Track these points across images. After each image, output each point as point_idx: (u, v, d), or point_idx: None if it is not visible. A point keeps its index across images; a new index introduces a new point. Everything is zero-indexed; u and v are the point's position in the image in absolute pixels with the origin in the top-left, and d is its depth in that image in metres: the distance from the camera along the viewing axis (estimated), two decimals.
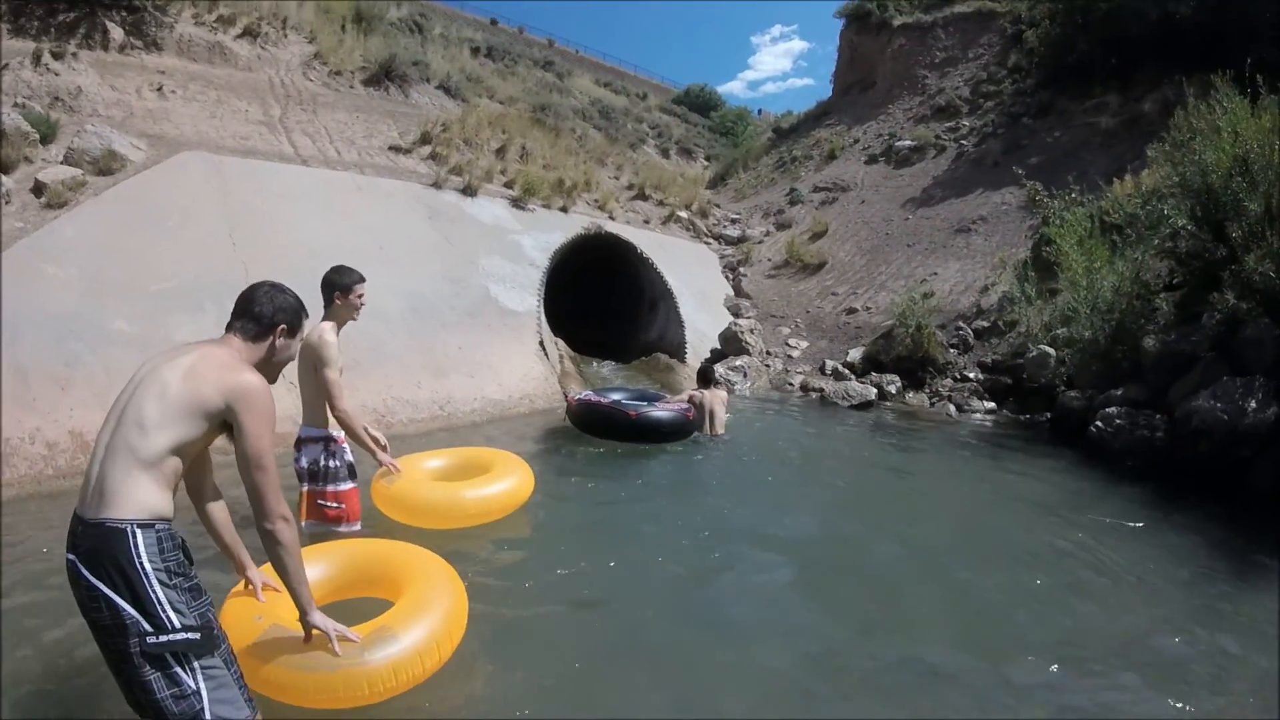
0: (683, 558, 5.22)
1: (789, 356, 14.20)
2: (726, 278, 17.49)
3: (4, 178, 7.89)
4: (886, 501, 7.19)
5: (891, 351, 12.62)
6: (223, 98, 12.04)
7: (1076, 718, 3.50)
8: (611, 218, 15.86)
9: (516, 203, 13.83)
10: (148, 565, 2.34)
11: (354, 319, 4.63)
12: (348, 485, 4.63)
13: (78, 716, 3.14)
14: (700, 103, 45.52)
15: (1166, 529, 6.12)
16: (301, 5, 16.93)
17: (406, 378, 8.87)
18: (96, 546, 2.34)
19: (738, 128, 38.66)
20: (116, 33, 11.87)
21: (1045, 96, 18.60)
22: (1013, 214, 15.58)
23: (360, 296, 4.57)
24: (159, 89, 11.24)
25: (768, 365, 13.79)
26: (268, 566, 2.97)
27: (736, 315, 15.37)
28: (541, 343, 11.04)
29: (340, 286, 4.50)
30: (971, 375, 11.96)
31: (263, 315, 2.80)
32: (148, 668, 2.31)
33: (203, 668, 2.40)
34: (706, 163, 31.15)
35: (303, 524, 4.55)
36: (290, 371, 3.50)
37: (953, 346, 12.65)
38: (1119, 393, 8.76)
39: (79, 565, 2.35)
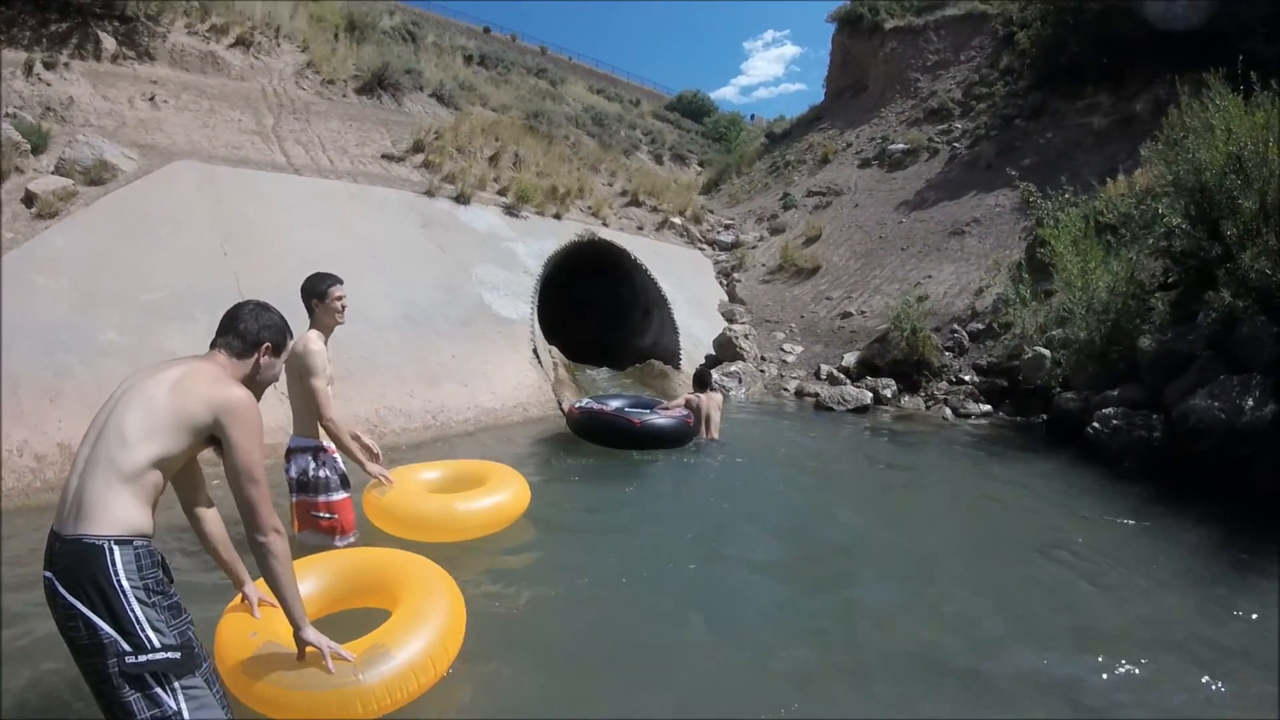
0: (683, 565, 5.19)
1: (784, 362, 14.19)
2: (721, 283, 17.49)
3: None
4: (885, 505, 7.16)
5: (886, 355, 12.61)
6: (215, 107, 12.00)
7: (1088, 718, 3.48)
8: (605, 224, 15.87)
9: (510, 210, 13.81)
10: (125, 583, 2.30)
11: (339, 322, 4.59)
12: (340, 495, 4.59)
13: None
14: (693, 109, 45.66)
15: (1166, 529, 6.11)
16: (294, 14, 16.87)
17: (400, 387, 8.83)
18: (73, 564, 2.30)
19: (730, 133, 38.75)
20: (109, 43, 11.82)
21: (1037, 98, 18.59)
22: (1006, 216, 15.57)
23: (340, 299, 4.53)
24: (151, 99, 11.20)
25: (763, 371, 13.78)
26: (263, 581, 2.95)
27: (731, 321, 15.35)
28: (535, 351, 11.00)
29: (316, 293, 4.48)
30: (967, 378, 11.95)
31: (248, 333, 2.80)
32: (127, 688, 2.28)
33: (184, 688, 2.36)
34: (700, 169, 31.23)
35: (296, 535, 4.51)
36: (282, 381, 3.47)
37: (948, 349, 12.64)
38: (1115, 393, 8.74)
39: (56, 583, 2.32)
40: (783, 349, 14.54)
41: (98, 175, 8.73)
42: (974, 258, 14.86)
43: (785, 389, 13.03)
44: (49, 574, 2.34)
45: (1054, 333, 10.43)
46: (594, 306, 15.65)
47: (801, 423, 10.93)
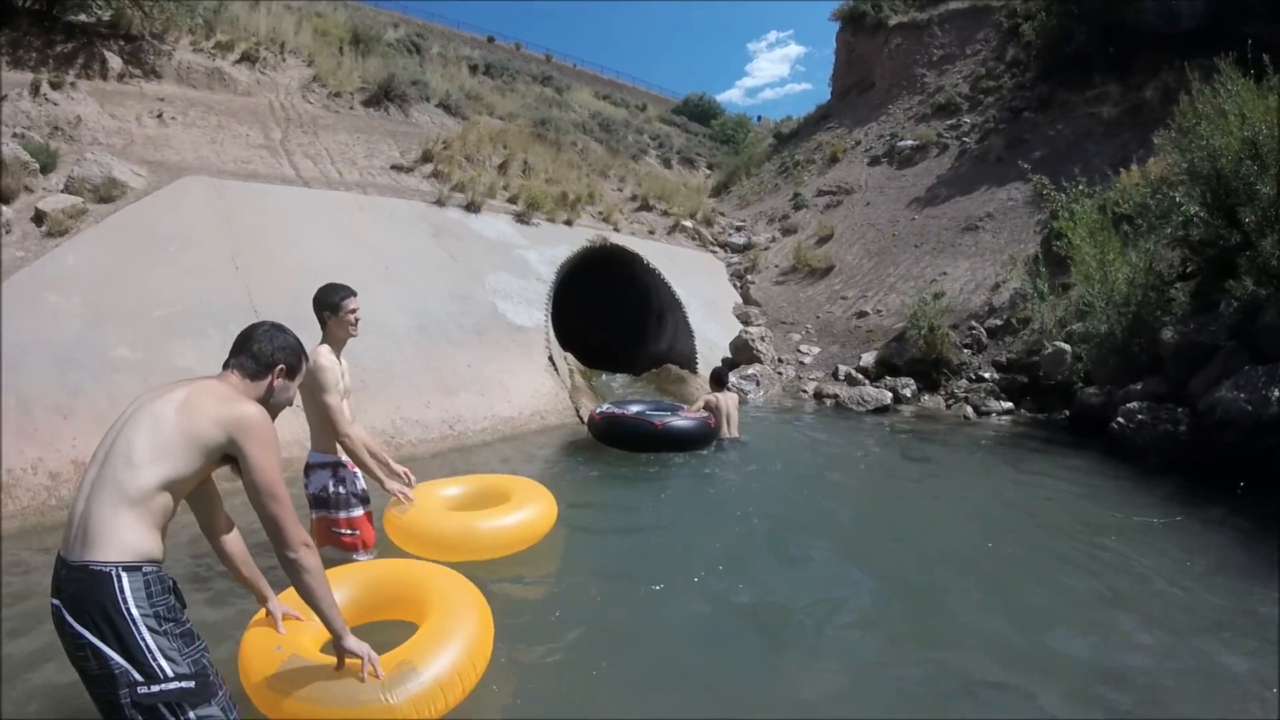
0: (714, 576, 5.06)
1: (801, 363, 14.08)
2: (734, 286, 17.39)
3: (4, 207, 7.83)
4: (911, 508, 7.04)
5: (905, 354, 12.49)
6: (223, 123, 12.00)
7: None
8: (616, 229, 15.82)
9: (521, 218, 13.77)
10: (135, 611, 2.23)
11: (352, 335, 4.49)
12: (360, 511, 4.50)
13: None
14: (700, 112, 45.59)
15: (1198, 525, 5.99)
16: (299, 29, 16.95)
17: (415, 397, 8.76)
18: (80, 591, 2.23)
19: (738, 135, 38.63)
20: (115, 62, 11.84)
21: (1045, 89, 18.46)
22: (1019, 209, 15.45)
23: (353, 312, 4.42)
24: (159, 116, 11.20)
25: (780, 373, 13.67)
26: (288, 594, 2.92)
27: (746, 323, 15.26)
28: (551, 358, 10.93)
29: (329, 305, 4.37)
30: (987, 375, 11.82)
31: (262, 354, 2.72)
32: (140, 718, 2.21)
33: (199, 717, 2.29)
34: (709, 171, 31.12)
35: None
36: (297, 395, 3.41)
37: (966, 347, 12.51)
38: (1138, 387, 8.61)
39: (63, 611, 2.24)
40: (799, 350, 14.43)
41: (107, 193, 8.71)
42: (989, 253, 14.74)
43: (804, 391, 12.92)
44: (56, 601, 2.28)
45: (1074, 327, 10.31)
46: (607, 312, 15.58)
47: (822, 425, 10.81)
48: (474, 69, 26.00)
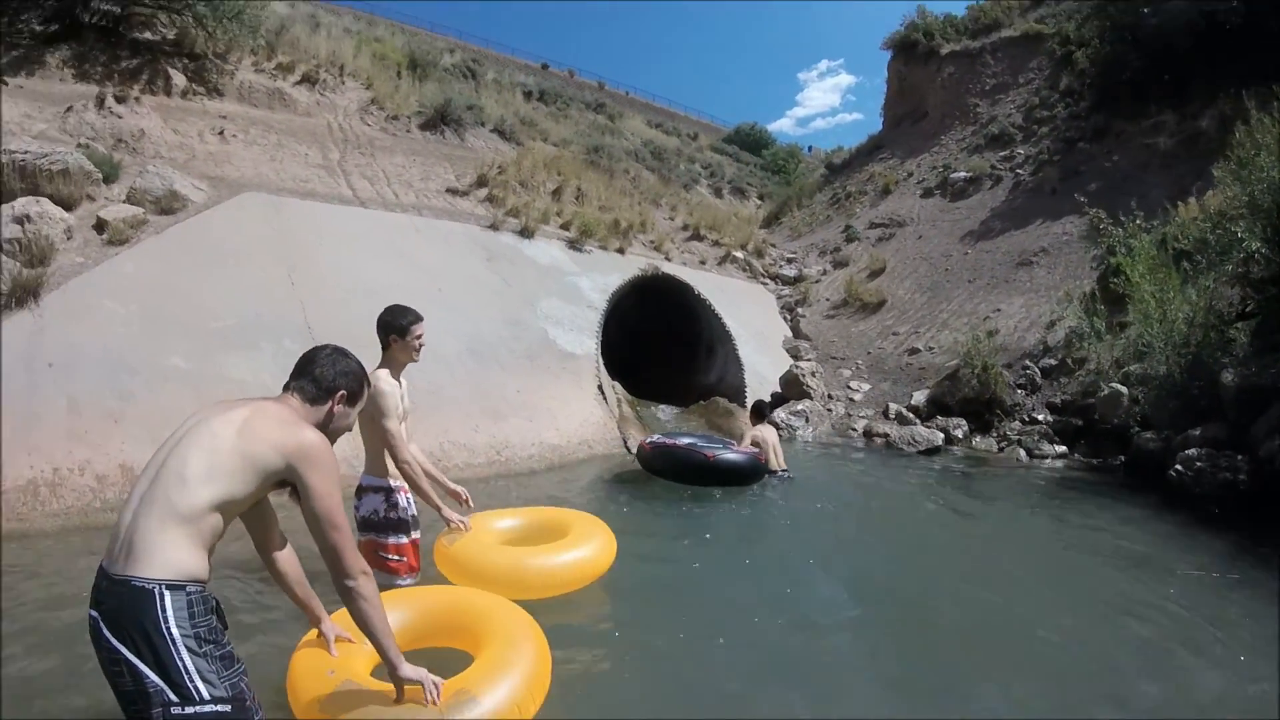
0: (768, 622, 4.83)
1: (851, 400, 13.77)
2: (784, 318, 17.14)
3: (66, 214, 7.90)
4: (965, 556, 6.73)
5: (957, 393, 12.13)
6: (283, 141, 12.12)
7: None
8: (668, 258, 15.71)
9: (573, 244, 13.72)
10: (175, 631, 2.15)
11: (414, 360, 4.38)
12: (409, 538, 4.37)
13: None
14: (751, 141, 45.69)
15: (1260, 582, 5.63)
16: (358, 53, 17.22)
17: (464, 421, 8.65)
18: (120, 606, 2.16)
19: (789, 165, 38.61)
20: (179, 79, 12.03)
21: (1100, 119, 18.07)
22: (1074, 244, 15.04)
23: (419, 337, 4.31)
24: (220, 133, 11.33)
25: (829, 409, 13.38)
26: (340, 615, 2.85)
27: (796, 357, 15.00)
28: (601, 386, 10.78)
29: (396, 328, 4.25)
30: (1040, 417, 11.42)
31: (323, 378, 2.66)
32: None
33: None
34: (759, 201, 31.08)
35: None
36: None
37: (1020, 387, 12.14)
38: (1198, 433, 8.24)
39: (101, 624, 2.17)
40: (849, 387, 14.13)
41: (168, 205, 8.79)
42: (1043, 289, 14.35)
43: (853, 429, 12.61)
44: (94, 613, 2.20)
45: (1131, 368, 9.93)
46: (656, 342, 15.42)
47: (871, 465, 10.50)
48: (528, 95, 26.26)
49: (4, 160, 7.89)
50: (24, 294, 6.78)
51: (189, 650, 2.15)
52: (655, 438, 8.67)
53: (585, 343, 11.30)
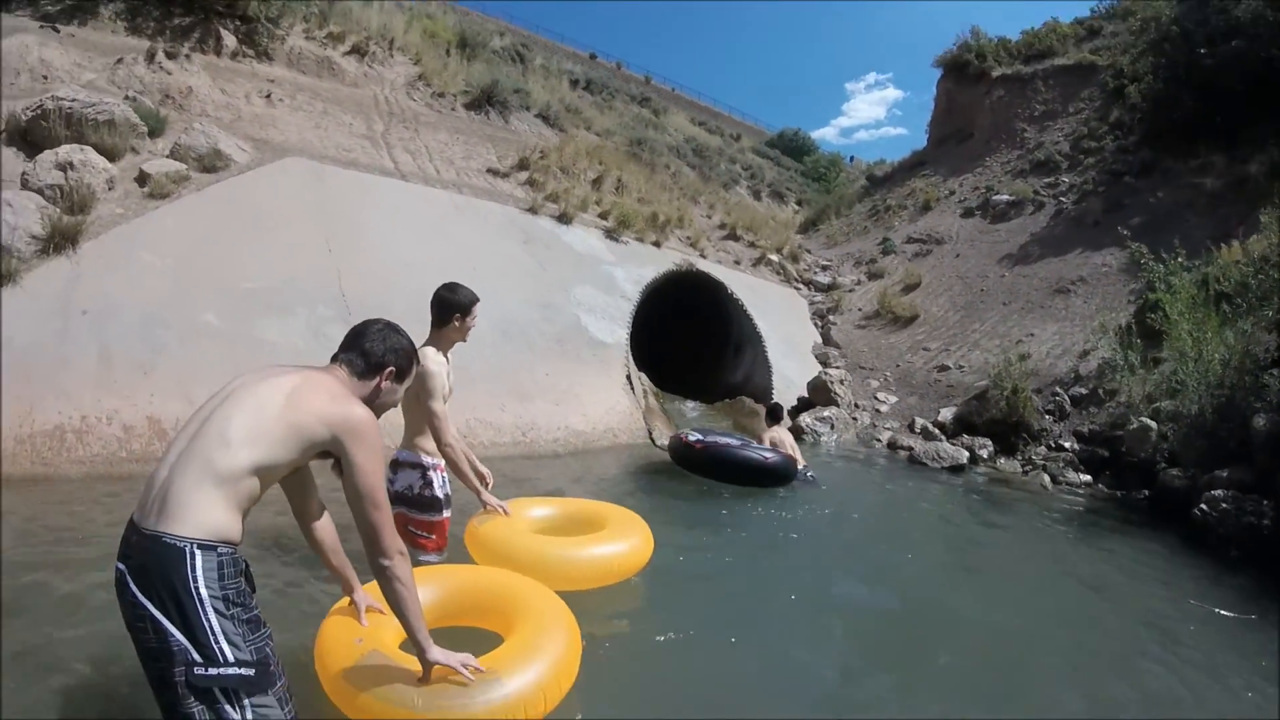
0: (783, 627, 4.77)
1: (877, 411, 13.61)
2: (815, 325, 17.00)
3: (110, 164, 7.92)
4: (982, 578, 6.58)
5: (984, 414, 11.95)
6: (328, 110, 12.12)
7: None
8: (703, 256, 15.60)
9: (610, 234, 13.65)
10: (204, 591, 2.11)
11: (463, 340, 4.34)
12: (442, 516, 4.31)
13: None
14: (793, 147, 45.57)
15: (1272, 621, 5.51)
16: (408, 28, 17.23)
17: (491, 400, 8.60)
18: (149, 562, 2.12)
19: (830, 174, 38.44)
20: (229, 40, 12.05)
21: (1148, 154, 17.77)
22: (1113, 276, 14.82)
23: (474, 319, 4.29)
24: (267, 96, 11.33)
25: (855, 418, 13.23)
26: (372, 586, 2.82)
27: (825, 364, 14.85)
28: (629, 377, 10.70)
29: (460, 306, 4.18)
30: (1067, 445, 11.22)
31: (372, 353, 2.61)
32: (192, 699, 2.08)
33: (253, 705, 2.16)
34: (798, 207, 30.93)
35: None
36: None
37: (1048, 413, 11.94)
38: (1225, 474, 8.06)
39: (128, 578, 2.14)
40: (876, 397, 13.97)
41: (211, 163, 8.79)
42: (1079, 318, 14.13)
43: (878, 439, 12.45)
44: (121, 566, 2.17)
45: (1162, 404, 9.74)
46: (685, 337, 15.34)
47: (894, 477, 10.35)
48: (574, 83, 26.25)
49: (51, 107, 7.90)
50: (62, 240, 6.78)
51: (216, 612, 2.11)
52: (697, 435, 8.49)
53: (616, 332, 11.22)
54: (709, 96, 76.60)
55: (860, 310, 17.53)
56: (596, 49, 51.93)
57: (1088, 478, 10.35)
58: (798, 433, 11.90)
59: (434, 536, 4.30)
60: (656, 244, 14.41)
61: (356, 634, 2.83)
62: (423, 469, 4.26)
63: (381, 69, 14.95)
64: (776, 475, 8.12)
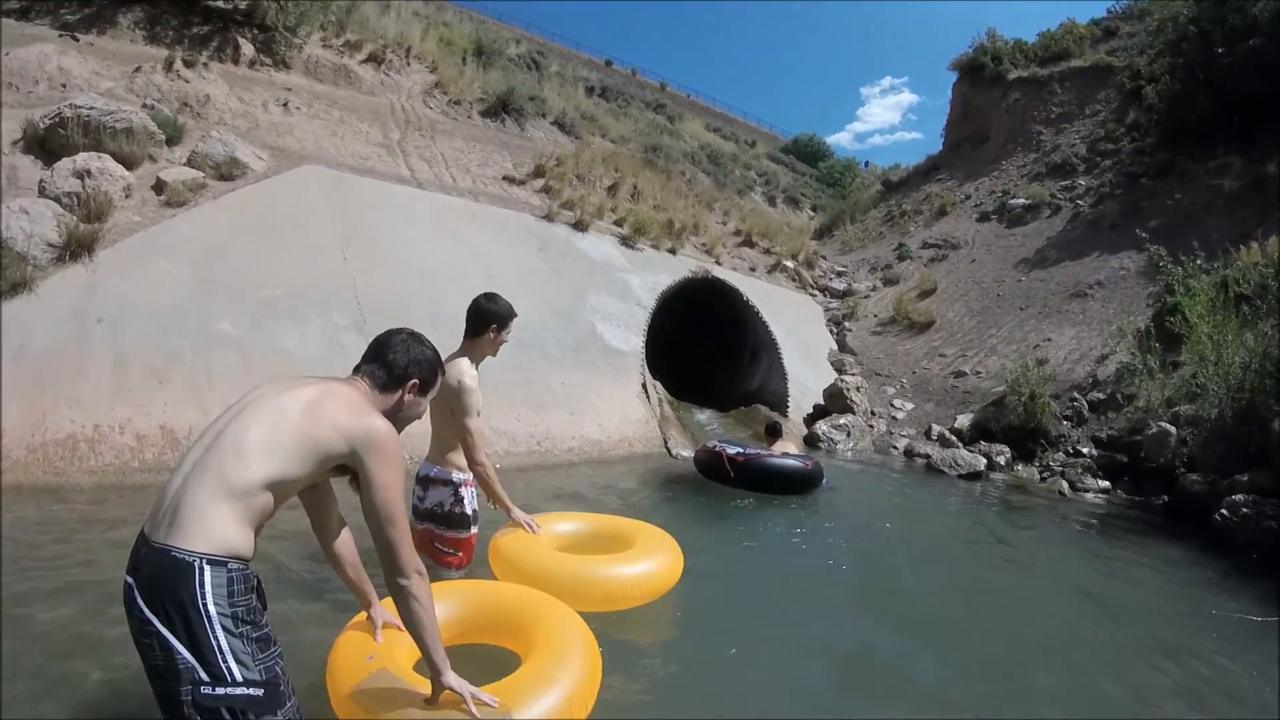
0: (820, 640, 4.71)
1: (894, 418, 13.53)
2: (830, 331, 16.94)
3: (127, 172, 7.95)
4: (1002, 585, 6.51)
5: (1002, 420, 11.86)
6: (345, 118, 12.15)
7: None
8: (718, 263, 15.57)
9: (626, 241, 13.62)
10: (212, 608, 2.05)
11: (493, 355, 4.28)
12: (468, 533, 4.25)
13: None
14: (808, 152, 45.52)
15: None
16: (425, 36, 17.30)
17: (505, 409, 8.54)
18: (157, 575, 2.06)
19: (845, 179, 38.39)
20: (247, 49, 12.11)
21: (1165, 156, 17.59)
22: (1131, 279, 14.68)
23: (510, 333, 4.25)
24: (284, 104, 11.36)
25: (871, 425, 13.15)
26: (390, 602, 2.69)
27: (841, 371, 14.77)
28: (645, 385, 10.65)
29: (499, 318, 4.13)
30: (1085, 450, 11.11)
31: (396, 364, 2.55)
32: (199, 719, 2.01)
33: None
34: (813, 213, 30.88)
35: None
36: None
37: (1066, 418, 11.82)
38: (1245, 478, 7.98)
39: (135, 592, 2.08)
40: (893, 404, 13.89)
41: (228, 171, 8.81)
42: (1096, 322, 14.00)
43: (894, 447, 12.37)
44: (130, 579, 2.11)
45: (1182, 408, 9.64)
46: (699, 344, 15.28)
47: (911, 484, 10.28)
48: (590, 90, 26.29)
49: (69, 114, 7.93)
50: (79, 248, 6.78)
51: (225, 630, 2.06)
52: (738, 449, 8.30)
53: (632, 340, 11.17)
54: (724, 102, 76.70)
55: (876, 316, 17.47)
56: (612, 56, 52.02)
57: (1106, 484, 10.26)
58: (813, 440, 11.85)
59: (460, 554, 4.23)
60: (672, 251, 14.38)
61: (369, 650, 2.78)
62: (454, 486, 4.18)
63: (398, 77, 15.01)
64: (812, 481, 8.24)
